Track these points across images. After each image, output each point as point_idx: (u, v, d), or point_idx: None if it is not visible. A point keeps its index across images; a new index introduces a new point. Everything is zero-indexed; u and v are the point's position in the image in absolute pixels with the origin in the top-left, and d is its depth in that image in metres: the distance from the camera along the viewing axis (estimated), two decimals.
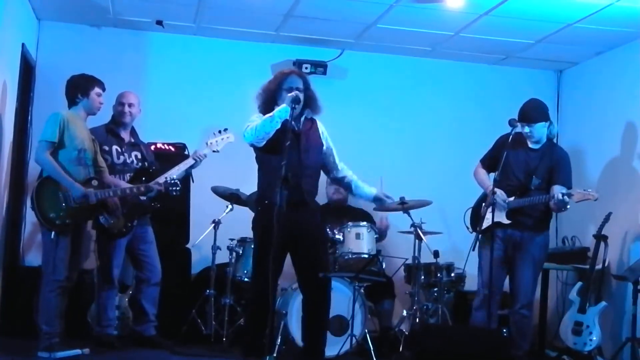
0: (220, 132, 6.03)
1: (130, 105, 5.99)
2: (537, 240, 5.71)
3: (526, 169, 5.69)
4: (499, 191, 5.53)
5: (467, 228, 5.98)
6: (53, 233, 5.21)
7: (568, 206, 5.48)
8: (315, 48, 7.42)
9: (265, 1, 6.32)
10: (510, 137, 5.59)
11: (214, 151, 5.98)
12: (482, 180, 5.90)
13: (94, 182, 5.38)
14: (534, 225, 5.68)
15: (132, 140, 6.07)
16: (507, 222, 5.64)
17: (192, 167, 5.97)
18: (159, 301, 6.09)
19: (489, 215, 5.57)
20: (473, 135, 7.23)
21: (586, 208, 6.06)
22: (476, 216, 5.88)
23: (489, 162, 5.92)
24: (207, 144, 5.97)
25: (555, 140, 5.87)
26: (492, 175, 5.76)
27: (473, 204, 6.02)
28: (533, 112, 5.60)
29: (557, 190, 5.50)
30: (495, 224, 5.52)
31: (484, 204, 5.77)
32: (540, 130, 5.66)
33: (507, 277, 5.80)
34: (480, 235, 5.63)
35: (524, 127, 5.61)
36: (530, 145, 5.71)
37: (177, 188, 5.63)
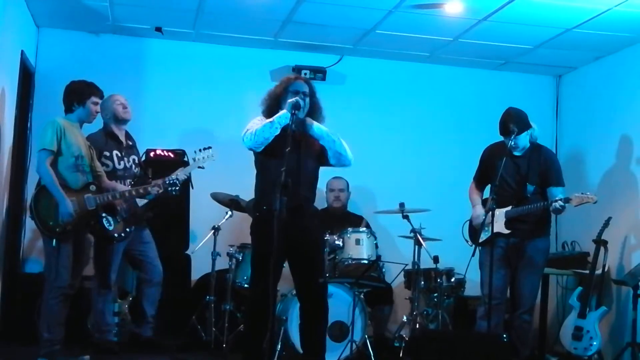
0: (201, 150, 5.78)
1: (127, 103, 6.00)
2: (539, 245, 5.72)
3: (517, 176, 5.70)
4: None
5: (467, 241, 5.98)
6: (54, 240, 5.21)
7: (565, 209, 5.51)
8: (314, 54, 7.43)
9: (264, 7, 6.32)
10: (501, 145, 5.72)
11: (199, 167, 5.84)
12: (473, 204, 5.96)
13: (92, 187, 5.38)
14: (533, 231, 5.68)
15: (129, 142, 6.08)
16: (507, 231, 5.66)
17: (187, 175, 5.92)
18: (159, 307, 6.09)
19: (487, 227, 5.59)
20: (472, 140, 7.21)
21: (586, 213, 6.07)
22: (474, 229, 5.89)
23: (481, 176, 5.99)
24: (193, 160, 5.81)
25: (537, 142, 5.87)
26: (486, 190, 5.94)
27: (470, 217, 6.02)
28: (514, 125, 5.56)
29: (554, 195, 5.52)
30: (495, 235, 5.55)
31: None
32: (524, 139, 5.69)
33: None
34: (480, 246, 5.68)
35: (509, 141, 5.60)
36: (514, 153, 5.72)
37: (177, 188, 5.63)
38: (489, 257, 5.48)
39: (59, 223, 5.20)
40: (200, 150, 5.90)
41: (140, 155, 6.24)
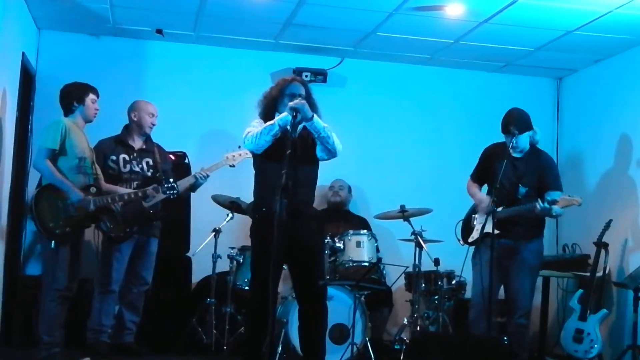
0: (240, 147, 5.74)
1: (155, 120, 6.04)
2: (531, 247, 5.66)
3: (513, 178, 5.66)
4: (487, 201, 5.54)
5: (459, 240, 5.96)
6: (53, 242, 5.20)
7: (554, 213, 5.47)
8: (315, 56, 7.43)
9: (264, 9, 6.32)
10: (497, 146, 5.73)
11: (230, 165, 5.86)
12: (474, 194, 5.90)
13: (92, 190, 5.38)
14: (526, 233, 5.63)
15: (144, 147, 6.06)
16: (496, 232, 5.63)
17: (194, 184, 5.92)
18: (160, 310, 6.13)
19: (478, 227, 5.58)
20: (473, 142, 7.19)
21: (586, 215, 6.08)
22: (467, 228, 5.88)
23: (478, 175, 5.95)
24: (226, 157, 5.86)
25: (537, 145, 5.85)
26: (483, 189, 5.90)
27: (464, 217, 6.00)
28: (517, 124, 5.54)
29: (546, 198, 5.46)
30: (485, 235, 5.51)
31: (473, 215, 5.79)
32: (524, 140, 5.66)
33: (503, 286, 5.76)
34: (473, 247, 5.66)
35: (510, 140, 5.58)
36: (514, 154, 5.69)
37: (175, 192, 5.64)
38: (480, 257, 5.47)
39: (59, 224, 5.20)
40: (236, 149, 5.84)
41: (163, 156, 6.18)
